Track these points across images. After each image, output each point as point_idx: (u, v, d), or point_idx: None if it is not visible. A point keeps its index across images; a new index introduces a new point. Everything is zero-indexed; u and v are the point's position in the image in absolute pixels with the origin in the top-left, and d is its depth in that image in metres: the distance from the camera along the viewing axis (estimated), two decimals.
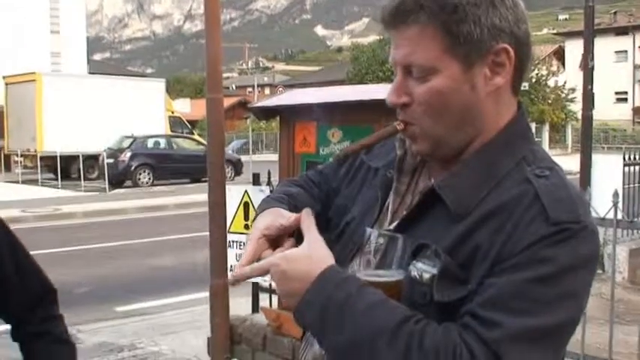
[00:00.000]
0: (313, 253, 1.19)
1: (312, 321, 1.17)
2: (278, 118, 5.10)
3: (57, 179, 23.08)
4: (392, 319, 1.11)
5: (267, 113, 5.33)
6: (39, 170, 24.04)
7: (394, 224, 1.31)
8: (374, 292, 1.15)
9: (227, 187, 5.04)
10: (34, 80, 25.26)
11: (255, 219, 1.42)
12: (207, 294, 5.24)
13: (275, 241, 1.29)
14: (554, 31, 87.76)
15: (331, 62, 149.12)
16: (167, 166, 23.78)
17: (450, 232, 1.21)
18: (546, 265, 1.10)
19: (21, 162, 26.02)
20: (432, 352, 1.08)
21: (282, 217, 1.33)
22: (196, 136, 28.66)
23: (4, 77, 26.90)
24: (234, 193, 5.04)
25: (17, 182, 24.11)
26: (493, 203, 1.19)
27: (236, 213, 5.03)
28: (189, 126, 32.36)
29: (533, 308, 1.09)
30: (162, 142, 24.94)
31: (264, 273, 1.22)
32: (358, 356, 1.12)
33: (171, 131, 28.57)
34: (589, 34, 8.33)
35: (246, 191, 4.99)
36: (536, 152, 1.27)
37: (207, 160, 5.00)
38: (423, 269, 1.20)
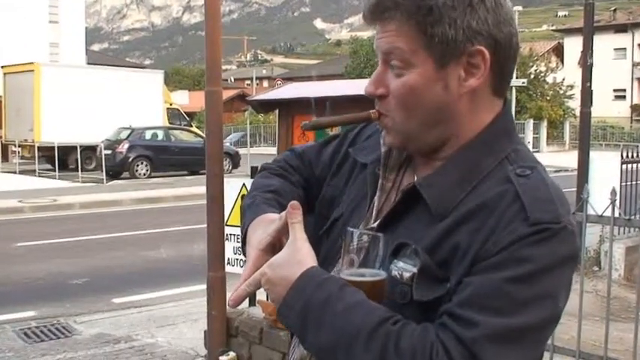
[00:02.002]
0: (294, 257, 1.20)
1: (293, 322, 1.18)
2: (277, 112, 5.10)
3: (54, 170, 23.04)
4: (370, 321, 1.11)
5: (265, 106, 5.34)
6: (36, 161, 24.00)
7: (377, 222, 1.31)
8: (354, 293, 1.15)
9: (225, 179, 5.04)
10: (32, 70, 25.15)
11: (244, 229, 1.41)
12: (204, 286, 5.25)
13: (275, 248, 1.29)
14: (554, 28, 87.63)
15: (330, 55, 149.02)
16: (165, 158, 23.74)
17: (431, 230, 1.21)
18: (525, 265, 1.10)
19: (18, 152, 25.96)
20: (408, 353, 1.08)
21: (271, 222, 1.33)
22: (194, 128, 28.61)
23: (2, 67, 26.78)
24: (232, 186, 5.05)
25: (15, 172, 24.09)
26: (473, 202, 1.19)
27: (234, 206, 5.03)
28: (187, 118, 32.32)
29: (510, 308, 1.09)
30: (160, 134, 24.88)
31: (258, 285, 1.24)
32: (335, 357, 1.13)
33: (169, 123, 28.50)
34: (588, 32, 8.32)
35: (244, 184, 4.99)
36: (519, 151, 1.27)
37: (206, 153, 5.00)
38: (404, 268, 1.21)
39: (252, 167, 5.24)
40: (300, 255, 1.20)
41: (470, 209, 1.19)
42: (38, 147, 24.25)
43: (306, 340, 1.17)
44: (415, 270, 1.19)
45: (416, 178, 1.31)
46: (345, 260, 1.23)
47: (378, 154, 1.40)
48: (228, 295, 5.18)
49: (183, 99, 48.51)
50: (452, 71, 1.23)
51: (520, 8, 38.45)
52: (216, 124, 4.97)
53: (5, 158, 27.80)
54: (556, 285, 1.14)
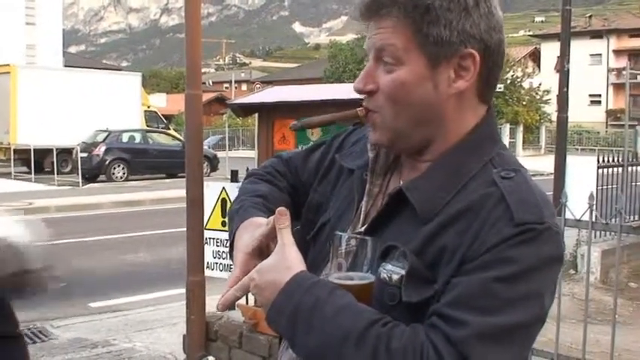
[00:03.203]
0: (282, 262, 1.21)
1: (283, 327, 1.19)
2: (256, 115, 5.10)
3: (30, 173, 22.82)
4: (359, 323, 1.12)
5: (246, 110, 5.33)
6: (12, 163, 23.76)
7: (365, 226, 1.32)
8: (343, 296, 1.16)
9: (204, 183, 5.02)
10: (8, 72, 24.89)
11: (232, 233, 1.43)
12: (182, 290, 5.22)
13: (262, 252, 1.31)
14: (531, 33, 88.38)
15: (308, 59, 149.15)
16: (142, 161, 23.60)
17: (418, 233, 1.22)
18: (511, 265, 1.12)
19: None
20: (399, 354, 1.09)
21: (258, 227, 1.34)
22: (172, 131, 28.48)
23: None
24: (211, 190, 5.03)
25: None
26: (460, 205, 1.21)
27: (213, 210, 5.02)
28: (164, 121, 32.16)
29: (498, 307, 1.11)
30: (138, 137, 24.73)
31: (246, 290, 1.25)
32: None
33: (147, 126, 28.35)
34: (566, 37, 8.38)
35: (223, 188, 4.98)
36: (503, 155, 1.29)
37: (186, 157, 4.98)
38: (392, 271, 1.22)
39: (232, 171, 5.23)
40: (288, 260, 1.21)
41: (456, 211, 1.21)
42: (14, 149, 23.98)
43: (296, 343, 1.18)
44: (403, 272, 1.20)
45: (402, 182, 1.32)
46: (334, 264, 1.25)
47: (365, 159, 1.41)
48: (208, 299, 5.16)
49: (160, 102, 48.21)
50: (442, 71, 1.25)
51: None
52: (196, 127, 4.95)
53: None
54: (541, 285, 1.16)
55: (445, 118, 1.28)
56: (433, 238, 1.20)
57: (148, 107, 31.14)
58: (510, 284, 1.11)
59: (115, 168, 23.13)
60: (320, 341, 1.13)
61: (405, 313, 1.18)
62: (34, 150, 22.90)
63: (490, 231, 1.15)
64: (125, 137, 24.22)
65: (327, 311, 1.14)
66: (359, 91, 1.31)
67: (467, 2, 1.24)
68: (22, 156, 24.05)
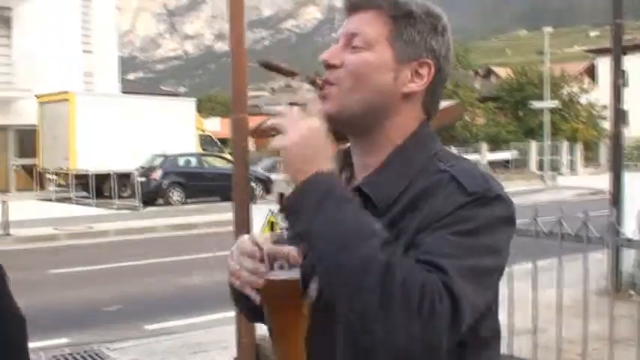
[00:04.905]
0: (325, 146, 1.29)
1: (308, 205, 1.22)
2: None
3: (90, 197, 23.33)
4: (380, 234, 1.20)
5: None
6: (73, 188, 24.30)
7: None
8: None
9: (253, 206, 5.07)
10: (67, 100, 25.51)
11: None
12: (234, 313, 5.26)
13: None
14: (585, 48, 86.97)
15: None
16: (198, 185, 23.89)
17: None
18: (467, 222, 1.23)
19: (55, 180, 26.30)
20: (418, 285, 1.13)
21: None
22: (227, 155, 28.77)
23: (38, 96, 27.19)
24: (260, 212, 5.08)
25: (51, 200, 24.42)
26: (413, 193, 1.31)
27: (262, 232, 5.06)
28: (219, 144, 32.53)
29: (463, 253, 1.20)
30: (193, 161, 25.10)
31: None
32: (346, 250, 1.17)
33: (202, 149, 28.74)
34: (617, 53, 8.25)
35: (270, 210, 5.03)
36: (445, 150, 1.42)
37: (233, 180, 5.03)
38: None
39: (279, 194, 5.26)
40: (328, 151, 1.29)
41: (410, 199, 1.31)
42: (74, 175, 24.50)
43: (315, 222, 1.21)
44: None
45: (359, 181, 1.41)
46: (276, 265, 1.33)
47: None
48: (257, 325, 5.16)
49: (215, 125, 48.80)
50: (403, 69, 1.38)
51: (550, 29, 38.19)
52: (242, 150, 5.01)
53: (42, 186, 28.17)
54: (497, 240, 1.27)
55: (392, 112, 1.39)
56: (392, 224, 1.29)
57: (203, 131, 31.57)
58: (469, 237, 1.22)
59: (172, 192, 23.46)
60: (340, 233, 1.19)
61: None
62: (94, 175, 23.39)
63: (445, 202, 1.25)
64: (181, 161, 24.59)
65: (349, 209, 1.21)
66: (324, 62, 1.40)
67: (436, 26, 1.40)
68: (82, 181, 24.59)
